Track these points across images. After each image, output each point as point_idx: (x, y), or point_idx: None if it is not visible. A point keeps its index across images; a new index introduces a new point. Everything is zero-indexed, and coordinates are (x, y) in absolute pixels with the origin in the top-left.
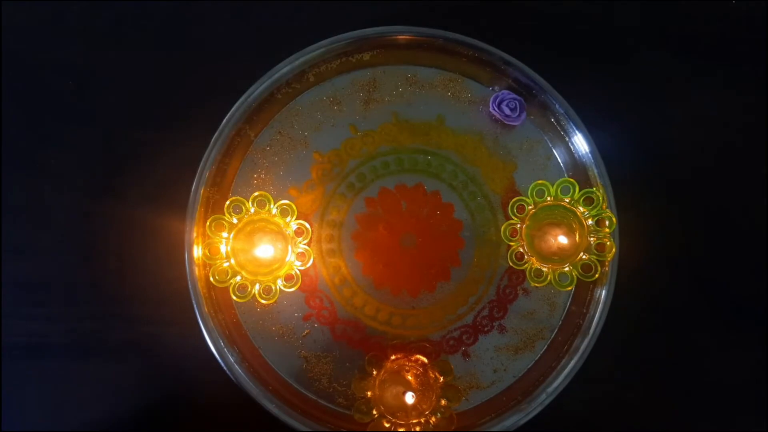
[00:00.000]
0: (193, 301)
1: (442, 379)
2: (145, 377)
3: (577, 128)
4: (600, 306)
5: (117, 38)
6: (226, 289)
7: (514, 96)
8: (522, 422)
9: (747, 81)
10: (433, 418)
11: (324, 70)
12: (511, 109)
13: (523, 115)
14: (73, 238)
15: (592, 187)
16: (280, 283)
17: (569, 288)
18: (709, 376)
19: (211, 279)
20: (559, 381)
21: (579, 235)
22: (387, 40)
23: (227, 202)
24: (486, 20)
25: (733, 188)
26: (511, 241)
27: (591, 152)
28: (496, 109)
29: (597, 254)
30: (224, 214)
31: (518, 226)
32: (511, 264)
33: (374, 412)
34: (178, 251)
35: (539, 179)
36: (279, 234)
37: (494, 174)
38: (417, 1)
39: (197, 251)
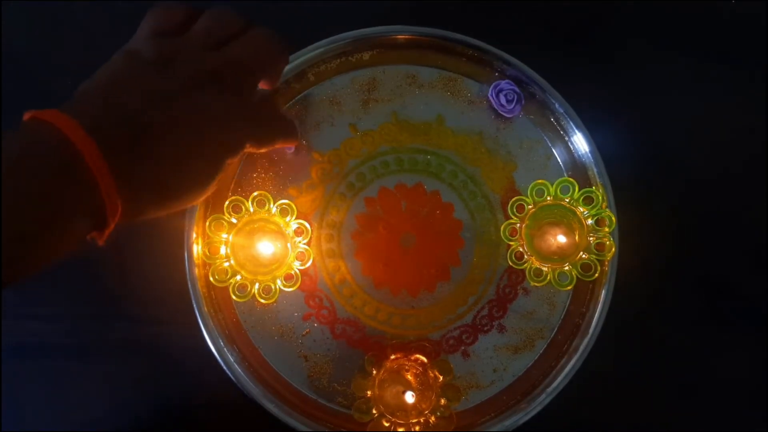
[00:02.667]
0: (193, 301)
1: (441, 378)
2: (145, 377)
3: (577, 128)
4: (600, 306)
5: (117, 38)
6: (226, 288)
7: (514, 88)
8: (522, 422)
9: (747, 81)
10: (433, 418)
11: (323, 69)
12: (508, 101)
13: (517, 109)
14: None
15: (591, 187)
16: (279, 282)
17: (569, 287)
18: (708, 376)
19: (211, 278)
20: (559, 381)
21: (579, 234)
22: (387, 40)
23: (227, 202)
24: (486, 20)
25: (734, 187)
26: (510, 240)
27: (591, 152)
28: (494, 96)
29: (596, 254)
30: (224, 214)
31: (518, 225)
32: (510, 263)
33: (374, 412)
34: (177, 251)
35: (539, 179)
36: (278, 234)
37: (494, 174)
38: (417, 1)
39: (197, 251)
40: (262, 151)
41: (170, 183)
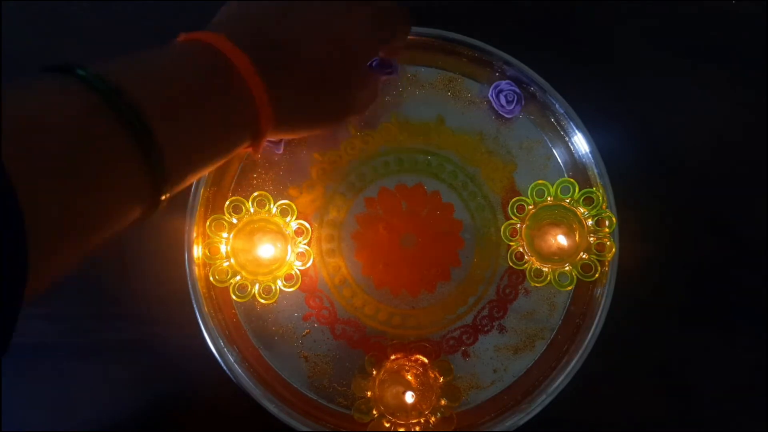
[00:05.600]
0: (193, 301)
1: (442, 379)
2: (145, 377)
3: (577, 128)
4: (600, 306)
5: (117, 38)
6: (226, 288)
7: (514, 88)
8: (522, 422)
9: (747, 81)
10: (433, 418)
11: None
12: (508, 101)
13: (517, 109)
14: None
15: (592, 187)
16: (279, 283)
17: (569, 288)
18: (708, 376)
19: (211, 279)
20: (559, 381)
21: (579, 235)
22: None
23: (227, 202)
24: (486, 20)
25: (734, 188)
26: (511, 241)
27: (591, 152)
28: (494, 97)
29: (597, 254)
30: (224, 214)
31: (518, 226)
32: (511, 264)
33: (374, 412)
34: (178, 251)
35: (539, 179)
36: (279, 234)
37: (494, 174)
38: (417, 1)
39: (197, 251)
40: (359, 112)
41: (314, 93)
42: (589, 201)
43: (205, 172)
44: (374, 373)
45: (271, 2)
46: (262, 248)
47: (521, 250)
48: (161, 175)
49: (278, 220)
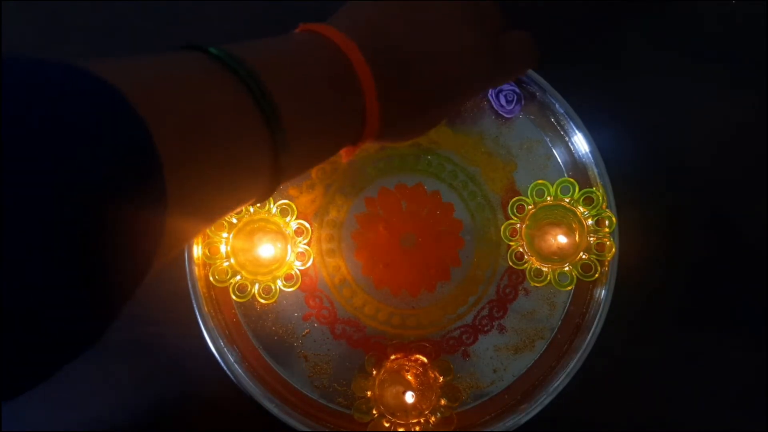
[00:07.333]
0: (193, 301)
1: (441, 378)
2: (145, 377)
3: (578, 128)
4: (600, 306)
5: (117, 38)
6: (226, 288)
7: (514, 88)
8: (522, 422)
9: (747, 81)
10: (433, 418)
11: None
12: (508, 101)
13: (517, 109)
14: None
15: (592, 187)
16: (279, 282)
17: (569, 288)
18: (708, 376)
19: (211, 279)
20: (559, 381)
21: (579, 234)
22: None
23: None
24: None
25: (734, 188)
26: (510, 240)
27: (591, 152)
28: (494, 97)
29: (597, 254)
30: None
31: (518, 225)
32: (511, 264)
33: (374, 412)
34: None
35: (539, 179)
36: (279, 234)
37: (494, 174)
38: None
39: (197, 251)
40: None
41: (421, 109)
42: (589, 201)
43: (305, 171)
44: (374, 372)
45: (399, 10)
46: (262, 248)
47: (521, 249)
48: (284, 153)
49: (278, 219)
